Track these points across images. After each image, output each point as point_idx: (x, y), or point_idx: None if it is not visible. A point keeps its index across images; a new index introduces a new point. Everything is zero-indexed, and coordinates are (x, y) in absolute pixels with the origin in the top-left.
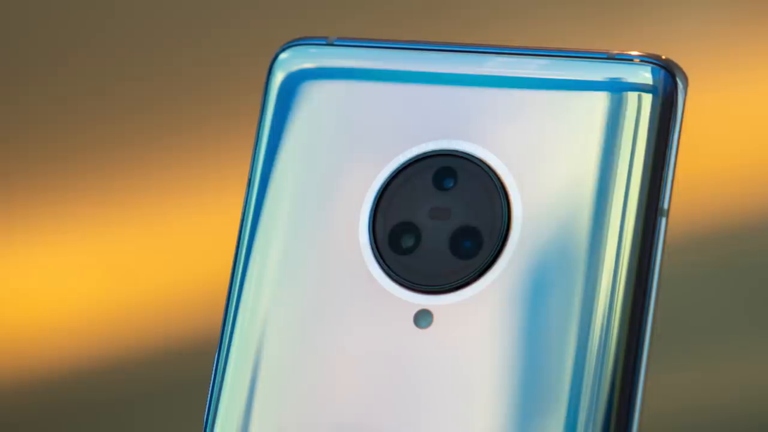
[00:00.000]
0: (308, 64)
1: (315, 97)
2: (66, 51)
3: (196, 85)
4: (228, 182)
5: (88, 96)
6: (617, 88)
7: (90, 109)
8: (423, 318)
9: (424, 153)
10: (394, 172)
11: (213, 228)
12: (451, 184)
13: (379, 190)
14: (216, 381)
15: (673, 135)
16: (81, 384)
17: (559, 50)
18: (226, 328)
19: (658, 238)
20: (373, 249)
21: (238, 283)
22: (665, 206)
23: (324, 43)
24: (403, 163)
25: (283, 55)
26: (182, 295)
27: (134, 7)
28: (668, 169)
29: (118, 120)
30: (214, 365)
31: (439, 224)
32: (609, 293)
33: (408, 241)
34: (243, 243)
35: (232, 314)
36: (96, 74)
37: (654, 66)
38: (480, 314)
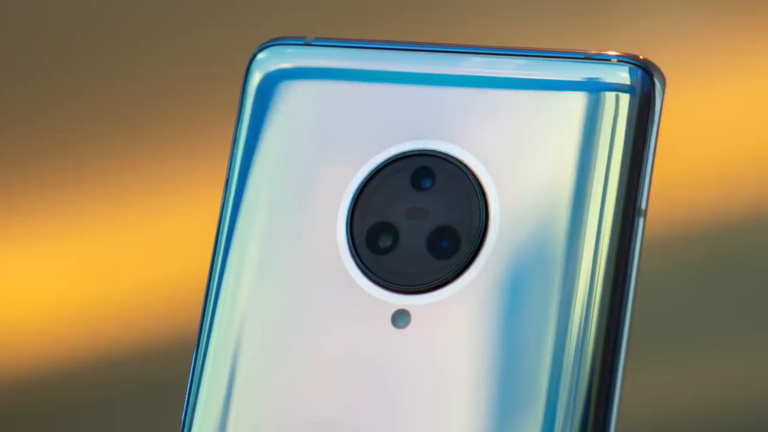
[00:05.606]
0: (286, 64)
1: (293, 98)
2: (44, 52)
3: (174, 85)
4: (207, 182)
5: (68, 97)
6: (595, 88)
7: (69, 110)
8: (400, 318)
9: (402, 153)
10: (372, 172)
11: (192, 227)
12: (429, 184)
13: (356, 190)
14: (194, 381)
15: (650, 135)
16: (61, 384)
17: (537, 50)
18: (203, 328)
19: (635, 239)
20: (350, 249)
21: (215, 283)
22: (643, 206)
23: (302, 43)
24: (381, 163)
25: (260, 55)
26: (162, 294)
27: (112, 7)
28: (646, 170)
29: (97, 121)
30: (192, 365)
31: (416, 224)
32: (586, 293)
33: (386, 241)
34: (221, 243)
35: (209, 314)
36: (75, 75)
37: (631, 66)
38: (457, 314)
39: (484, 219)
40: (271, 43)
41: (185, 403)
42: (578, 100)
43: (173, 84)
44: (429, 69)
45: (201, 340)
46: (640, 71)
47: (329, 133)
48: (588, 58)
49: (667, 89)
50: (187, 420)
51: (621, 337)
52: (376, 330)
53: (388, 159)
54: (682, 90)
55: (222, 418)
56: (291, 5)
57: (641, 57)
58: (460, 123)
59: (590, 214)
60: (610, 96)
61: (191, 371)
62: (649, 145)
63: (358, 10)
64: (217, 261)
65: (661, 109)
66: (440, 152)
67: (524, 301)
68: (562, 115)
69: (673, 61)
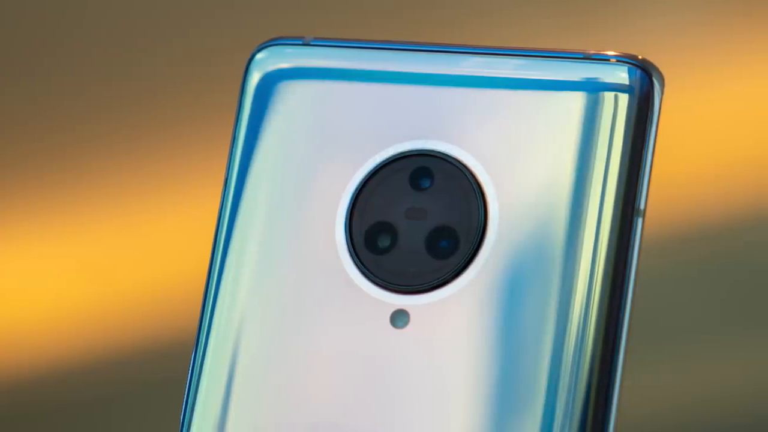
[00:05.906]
0: (285, 64)
1: (291, 98)
2: (40, 52)
3: (172, 85)
4: (206, 182)
5: (67, 97)
6: (594, 88)
7: (69, 110)
8: (399, 318)
9: (401, 153)
10: (370, 172)
11: (191, 227)
12: (428, 184)
13: (355, 190)
14: (192, 381)
15: (649, 135)
16: (60, 384)
17: (536, 50)
18: (202, 328)
19: (634, 239)
20: (349, 249)
21: (214, 283)
22: (641, 206)
23: (300, 43)
24: (380, 163)
25: (259, 55)
26: (161, 294)
27: (111, 7)
28: (644, 170)
29: (96, 121)
30: (191, 365)
31: (415, 224)
32: (585, 293)
33: (384, 241)
34: (219, 243)
35: (208, 314)
36: (74, 75)
37: (630, 66)
38: (456, 314)
39: (482, 219)
40: (269, 43)
41: (184, 402)
42: (577, 100)
43: (172, 84)
44: (428, 69)
45: (200, 340)
46: (638, 71)
47: (328, 133)
48: (587, 58)
49: (666, 89)
50: (185, 420)
51: (620, 336)
52: (375, 330)
53: (387, 159)
54: (681, 90)
55: (221, 418)
56: (290, 5)
57: (640, 57)
58: (458, 123)
59: (589, 214)
60: (608, 96)
61: (190, 371)
62: (648, 145)
63: (357, 10)
64: (216, 261)
65: (659, 109)
66: (439, 152)
67: (523, 301)
68: (561, 115)
69: (672, 61)
